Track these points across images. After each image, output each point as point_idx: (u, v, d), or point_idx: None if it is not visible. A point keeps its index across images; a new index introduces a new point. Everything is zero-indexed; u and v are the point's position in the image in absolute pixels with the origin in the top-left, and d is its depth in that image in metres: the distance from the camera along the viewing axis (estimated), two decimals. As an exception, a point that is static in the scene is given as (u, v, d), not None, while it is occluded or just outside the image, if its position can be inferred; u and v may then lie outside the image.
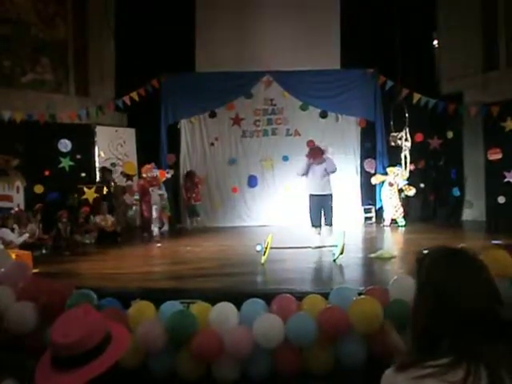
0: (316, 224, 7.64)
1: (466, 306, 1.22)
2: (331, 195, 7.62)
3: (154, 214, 9.93)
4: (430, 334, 1.26)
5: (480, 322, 1.21)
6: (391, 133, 11.04)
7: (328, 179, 7.64)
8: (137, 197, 10.19)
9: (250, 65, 11.48)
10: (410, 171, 11.01)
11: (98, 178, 11.36)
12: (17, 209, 9.14)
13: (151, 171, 10.19)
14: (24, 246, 7.56)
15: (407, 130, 10.81)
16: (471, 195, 11.35)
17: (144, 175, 10.17)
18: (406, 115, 10.77)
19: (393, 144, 11.01)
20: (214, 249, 8.57)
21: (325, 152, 7.73)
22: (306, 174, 7.68)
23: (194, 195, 11.46)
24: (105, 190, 10.70)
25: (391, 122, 10.93)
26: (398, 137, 10.92)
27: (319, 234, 7.63)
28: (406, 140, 10.85)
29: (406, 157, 10.91)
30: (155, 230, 9.88)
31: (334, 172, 7.67)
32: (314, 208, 7.61)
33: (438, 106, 10.54)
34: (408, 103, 10.71)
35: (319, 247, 7.25)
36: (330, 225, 7.62)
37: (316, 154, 7.59)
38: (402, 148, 10.93)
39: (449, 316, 1.23)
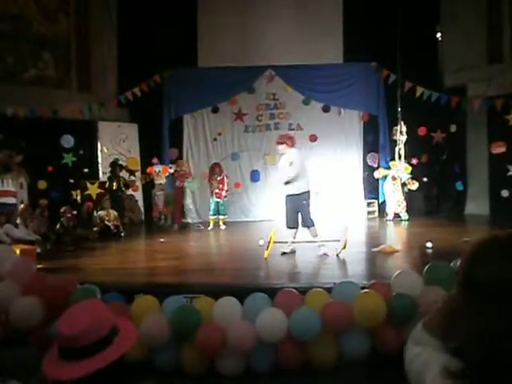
0: (290, 225, 6.96)
1: None
2: (307, 193, 6.84)
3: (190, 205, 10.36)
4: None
5: None
6: (394, 126, 10.98)
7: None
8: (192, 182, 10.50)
9: (252, 59, 11.44)
10: (413, 165, 10.96)
11: (101, 174, 11.38)
12: (23, 205, 9.15)
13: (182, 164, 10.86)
14: (28, 242, 7.58)
15: (402, 123, 10.76)
16: (475, 189, 11.31)
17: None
18: (399, 109, 10.71)
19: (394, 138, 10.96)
20: (217, 243, 8.59)
21: (293, 141, 6.91)
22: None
23: (216, 190, 10.40)
24: (115, 184, 10.70)
25: (398, 115, 10.83)
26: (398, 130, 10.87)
27: (294, 237, 7.00)
28: (401, 133, 10.78)
29: (400, 150, 10.83)
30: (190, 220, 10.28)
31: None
32: (289, 209, 6.93)
33: (441, 100, 10.49)
34: (410, 96, 10.65)
35: (323, 241, 7.20)
36: (310, 226, 6.84)
37: (283, 139, 6.82)
38: (396, 142, 10.87)
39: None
